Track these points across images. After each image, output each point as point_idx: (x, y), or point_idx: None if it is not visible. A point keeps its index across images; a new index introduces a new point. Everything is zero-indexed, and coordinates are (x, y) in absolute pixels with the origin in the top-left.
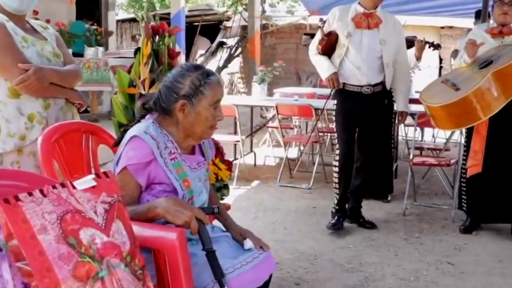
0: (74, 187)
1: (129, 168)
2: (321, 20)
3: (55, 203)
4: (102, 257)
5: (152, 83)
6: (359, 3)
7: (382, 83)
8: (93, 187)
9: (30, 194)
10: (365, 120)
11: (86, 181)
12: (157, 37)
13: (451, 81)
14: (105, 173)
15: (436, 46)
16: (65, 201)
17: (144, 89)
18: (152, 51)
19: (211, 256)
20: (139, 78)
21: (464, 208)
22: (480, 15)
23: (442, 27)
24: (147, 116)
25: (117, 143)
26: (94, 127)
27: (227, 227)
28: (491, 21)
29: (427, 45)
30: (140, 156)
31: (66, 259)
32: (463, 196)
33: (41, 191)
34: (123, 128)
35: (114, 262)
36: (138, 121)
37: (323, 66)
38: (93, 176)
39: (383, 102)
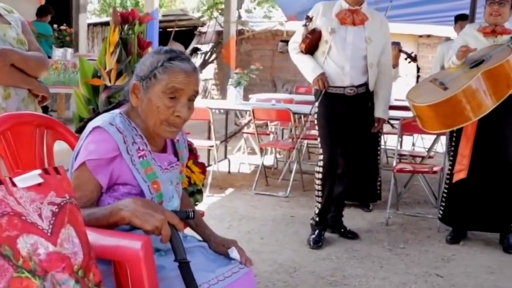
0: (14, 185)
1: (89, 164)
2: (307, 17)
3: None
4: (46, 271)
5: (119, 75)
6: None
7: (366, 84)
8: (39, 184)
9: None
10: (349, 123)
11: (30, 178)
12: (126, 25)
13: (440, 80)
14: (55, 168)
15: (413, 59)
16: (1, 201)
17: (110, 80)
18: (120, 39)
19: (185, 268)
20: (105, 69)
21: (439, 215)
22: (462, 18)
23: (420, 36)
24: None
25: (78, 130)
26: (50, 120)
27: (207, 238)
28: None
29: (405, 57)
30: (103, 151)
31: None
32: (441, 203)
33: None
34: (86, 119)
35: (62, 278)
36: (105, 112)
37: (308, 67)
38: (39, 171)
39: (367, 105)
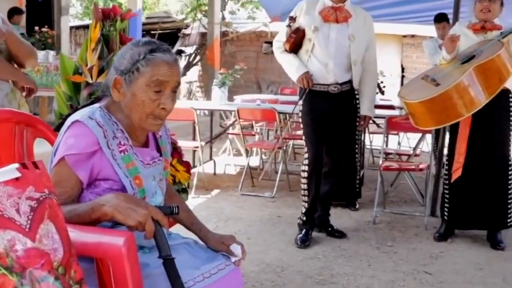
0: None
1: (68, 159)
2: (290, 18)
3: None
4: (24, 268)
5: (100, 72)
6: None
7: (350, 82)
8: (17, 179)
9: None
10: (333, 121)
11: (7, 172)
12: (107, 21)
13: (431, 76)
14: (34, 163)
15: (381, 91)
16: None
17: (92, 77)
18: (101, 36)
19: (169, 265)
20: (86, 65)
21: (445, 216)
22: (439, 19)
23: (404, 36)
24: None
25: (57, 128)
26: (29, 118)
27: (203, 236)
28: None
29: None
30: (83, 146)
31: None
32: (446, 204)
33: None
34: (65, 115)
35: (40, 275)
36: (83, 107)
37: (292, 66)
38: (16, 165)
39: (351, 102)
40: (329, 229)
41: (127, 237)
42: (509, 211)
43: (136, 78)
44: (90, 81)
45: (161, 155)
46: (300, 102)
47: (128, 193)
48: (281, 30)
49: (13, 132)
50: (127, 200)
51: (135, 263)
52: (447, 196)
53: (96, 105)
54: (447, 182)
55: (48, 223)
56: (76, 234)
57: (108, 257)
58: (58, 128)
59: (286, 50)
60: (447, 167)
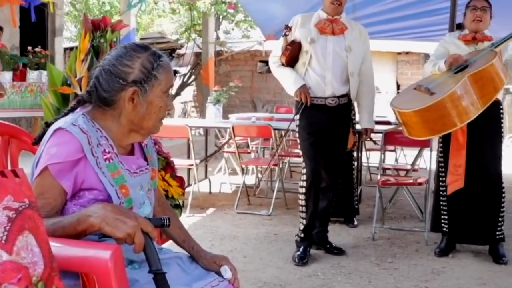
0: None
1: (51, 168)
2: (286, 27)
3: None
4: None
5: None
6: (322, 9)
7: (348, 95)
8: None
9: None
10: (331, 135)
11: None
12: (98, 32)
13: (425, 86)
14: (13, 171)
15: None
16: None
17: (81, 89)
18: (91, 47)
19: (160, 280)
20: (75, 77)
21: (444, 229)
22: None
23: (399, 53)
24: (78, 110)
25: (37, 140)
26: (13, 129)
27: (196, 255)
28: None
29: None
30: (66, 153)
31: None
32: (443, 216)
33: None
34: (45, 122)
35: None
36: (65, 115)
37: (289, 79)
38: None
39: (349, 116)
40: (328, 246)
41: (113, 250)
42: (499, 224)
43: (153, 86)
44: (79, 92)
45: (148, 164)
46: (297, 117)
47: (114, 203)
48: (276, 46)
49: None
50: (115, 210)
51: (123, 278)
52: (445, 208)
53: (79, 112)
54: (443, 194)
55: (28, 235)
56: (59, 248)
57: (94, 272)
58: (38, 140)
59: (282, 64)
60: (442, 180)
